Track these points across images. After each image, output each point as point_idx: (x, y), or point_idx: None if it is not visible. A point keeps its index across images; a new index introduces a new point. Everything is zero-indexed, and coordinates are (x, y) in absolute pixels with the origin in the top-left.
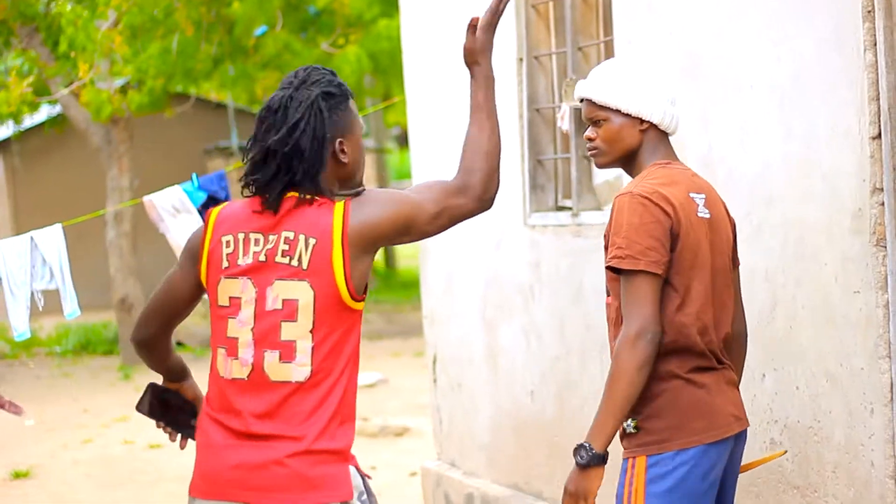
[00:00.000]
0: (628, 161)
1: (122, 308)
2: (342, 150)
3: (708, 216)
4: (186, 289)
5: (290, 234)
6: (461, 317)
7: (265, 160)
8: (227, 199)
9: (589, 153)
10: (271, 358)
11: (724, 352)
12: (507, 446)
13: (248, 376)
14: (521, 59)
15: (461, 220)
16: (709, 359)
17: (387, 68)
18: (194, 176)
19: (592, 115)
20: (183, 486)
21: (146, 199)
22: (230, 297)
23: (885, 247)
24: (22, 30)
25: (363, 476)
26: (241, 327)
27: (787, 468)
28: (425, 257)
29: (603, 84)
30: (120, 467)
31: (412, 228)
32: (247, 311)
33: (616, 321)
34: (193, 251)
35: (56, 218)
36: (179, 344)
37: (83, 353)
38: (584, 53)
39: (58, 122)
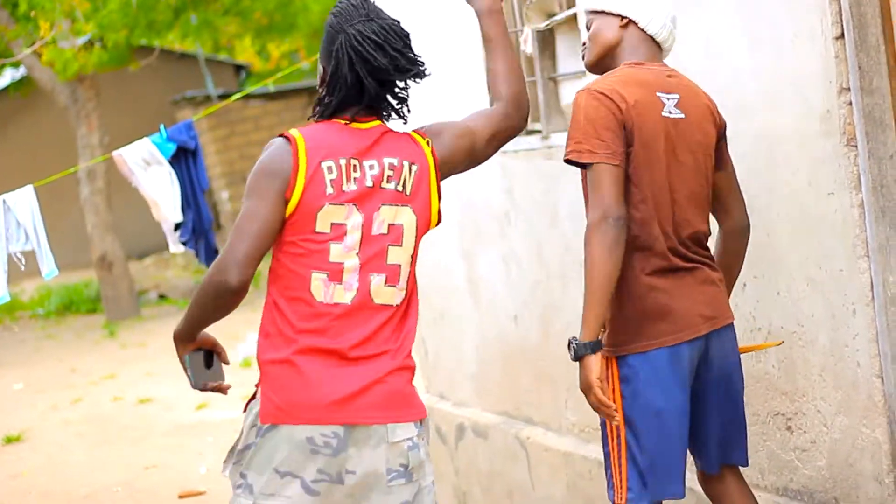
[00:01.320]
0: (610, 61)
1: (101, 266)
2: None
3: (680, 116)
4: (279, 219)
5: (395, 161)
6: (439, 247)
7: (383, 83)
8: (195, 148)
9: (581, 58)
10: (377, 281)
11: (696, 249)
12: (494, 374)
13: (351, 300)
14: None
15: (509, 141)
16: (670, 258)
17: None
18: (162, 127)
19: (587, 22)
20: (174, 438)
21: (115, 153)
22: (332, 224)
23: (856, 146)
24: None
25: None
26: (347, 252)
27: (773, 374)
28: None
29: None
30: (111, 424)
31: (475, 154)
32: (353, 237)
33: None
34: (283, 178)
35: (29, 180)
36: (162, 297)
37: (66, 313)
38: None
39: (23, 84)
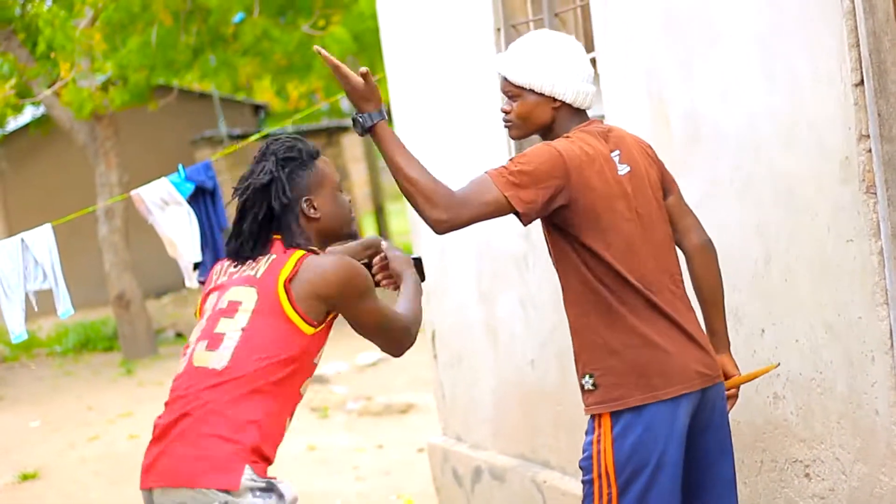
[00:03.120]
0: (544, 134)
1: (119, 304)
2: (312, 208)
3: (628, 170)
4: None
5: (262, 258)
6: (457, 291)
7: (244, 227)
8: (214, 188)
9: (505, 125)
10: (200, 347)
11: (676, 299)
12: (511, 417)
13: (183, 367)
14: (498, 29)
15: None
16: (659, 310)
17: (370, 47)
18: (181, 167)
19: (507, 90)
20: None
21: (133, 193)
22: (202, 311)
23: (875, 193)
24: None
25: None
26: (196, 330)
27: (791, 421)
28: (417, 232)
29: (517, 63)
30: (127, 463)
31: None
32: (206, 315)
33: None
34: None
35: (48, 218)
36: (179, 335)
37: (83, 350)
38: (562, 19)
39: (42, 122)
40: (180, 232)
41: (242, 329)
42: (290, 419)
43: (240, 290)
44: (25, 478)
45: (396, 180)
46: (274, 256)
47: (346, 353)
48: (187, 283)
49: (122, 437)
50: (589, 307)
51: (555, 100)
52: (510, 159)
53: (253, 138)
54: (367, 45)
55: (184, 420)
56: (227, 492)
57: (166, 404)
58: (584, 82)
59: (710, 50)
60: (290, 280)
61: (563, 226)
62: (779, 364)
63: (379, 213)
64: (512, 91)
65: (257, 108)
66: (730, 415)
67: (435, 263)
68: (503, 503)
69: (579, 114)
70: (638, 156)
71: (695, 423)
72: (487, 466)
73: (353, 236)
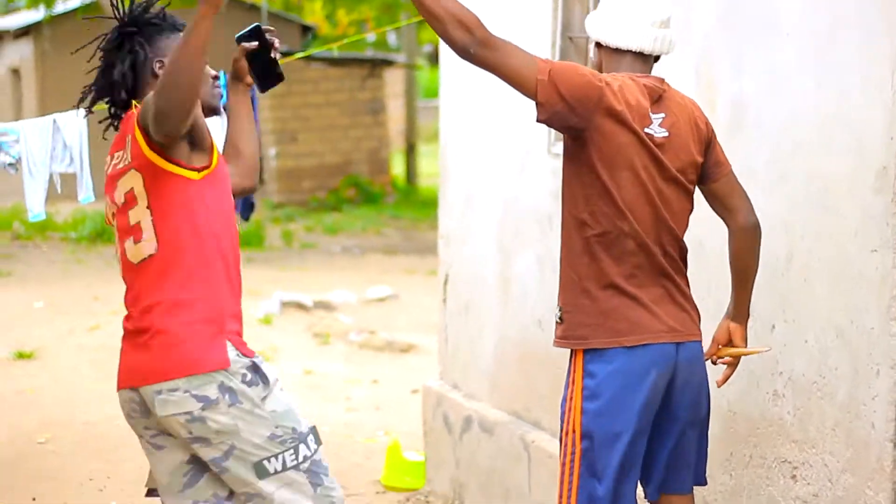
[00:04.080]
0: None
1: None
2: (160, 68)
3: (665, 135)
4: None
5: (126, 142)
6: (477, 239)
7: (102, 93)
8: (252, 99)
9: None
10: (129, 243)
11: (666, 261)
12: (510, 372)
13: (121, 267)
14: (553, 44)
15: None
16: (644, 265)
17: None
18: (222, 73)
19: None
20: None
21: None
22: (106, 209)
23: None
24: None
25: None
26: (114, 230)
27: (787, 420)
28: (446, 176)
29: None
30: None
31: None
32: (110, 214)
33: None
34: None
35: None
36: None
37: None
38: None
39: (90, 9)
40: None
41: (148, 207)
42: (235, 278)
43: (125, 179)
44: (21, 356)
45: (428, 16)
46: (128, 134)
47: (355, 284)
48: None
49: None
50: (577, 243)
51: (597, 43)
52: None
53: (296, 56)
54: None
55: (147, 316)
56: (210, 374)
57: (126, 305)
58: (622, 20)
59: (764, 42)
60: (144, 135)
61: (580, 153)
62: (769, 349)
63: (410, 151)
64: None
65: (305, 29)
66: (728, 404)
67: (459, 209)
68: (488, 456)
69: (628, 57)
70: (684, 126)
71: (669, 386)
72: (478, 417)
73: (214, 110)
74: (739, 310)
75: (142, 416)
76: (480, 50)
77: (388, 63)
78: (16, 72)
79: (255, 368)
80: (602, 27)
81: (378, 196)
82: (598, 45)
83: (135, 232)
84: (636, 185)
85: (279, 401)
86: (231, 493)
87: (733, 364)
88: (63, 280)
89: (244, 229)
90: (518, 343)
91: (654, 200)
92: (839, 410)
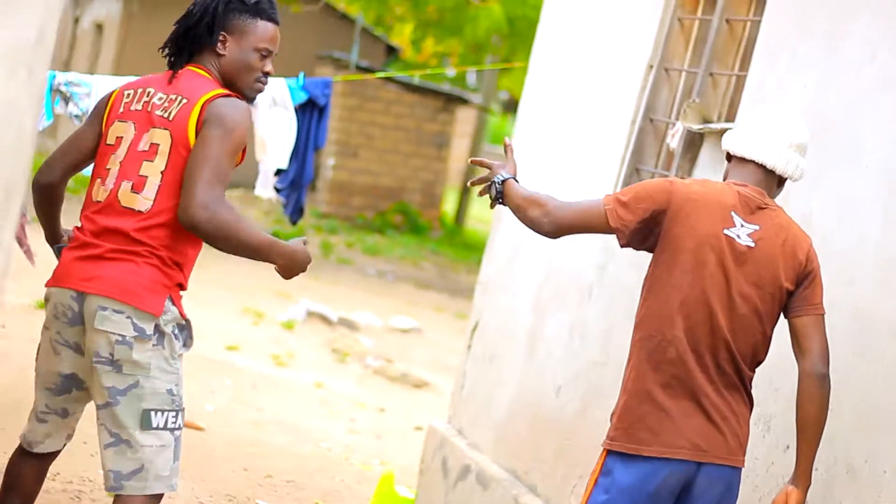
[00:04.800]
0: None
1: None
2: (222, 44)
3: (748, 244)
4: (90, 138)
5: (174, 95)
6: (514, 293)
7: (174, 38)
8: (325, 106)
9: None
10: (126, 187)
11: (716, 375)
12: (518, 432)
13: (104, 199)
14: (650, 66)
15: None
16: (683, 373)
17: (519, 34)
18: (302, 75)
19: None
20: (194, 368)
21: None
22: (116, 137)
23: None
24: None
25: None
26: (115, 161)
27: None
28: (498, 224)
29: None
30: None
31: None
32: (122, 148)
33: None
34: (101, 105)
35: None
36: None
37: None
38: (715, 80)
39: None
40: (277, 135)
41: (162, 172)
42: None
43: (157, 133)
44: (41, 306)
45: (516, 214)
46: (185, 101)
47: (382, 309)
48: (258, 191)
49: None
50: (634, 341)
51: (727, 153)
52: None
53: (378, 75)
54: (517, 31)
55: (127, 255)
56: (153, 315)
57: (97, 229)
58: (755, 133)
59: (842, 168)
60: (198, 123)
61: (655, 257)
62: None
63: (465, 192)
64: None
65: (390, 49)
66: None
67: (504, 259)
68: None
69: (750, 168)
70: (776, 247)
71: (683, 500)
72: (477, 469)
73: (248, 99)
74: (798, 470)
75: (68, 323)
76: (554, 213)
77: (463, 101)
78: (99, 27)
79: (184, 328)
80: (735, 138)
81: (424, 228)
82: (727, 156)
83: (138, 182)
84: (697, 287)
85: (181, 368)
86: (67, 414)
87: None
88: None
89: (286, 232)
90: (532, 404)
91: (713, 309)
92: None
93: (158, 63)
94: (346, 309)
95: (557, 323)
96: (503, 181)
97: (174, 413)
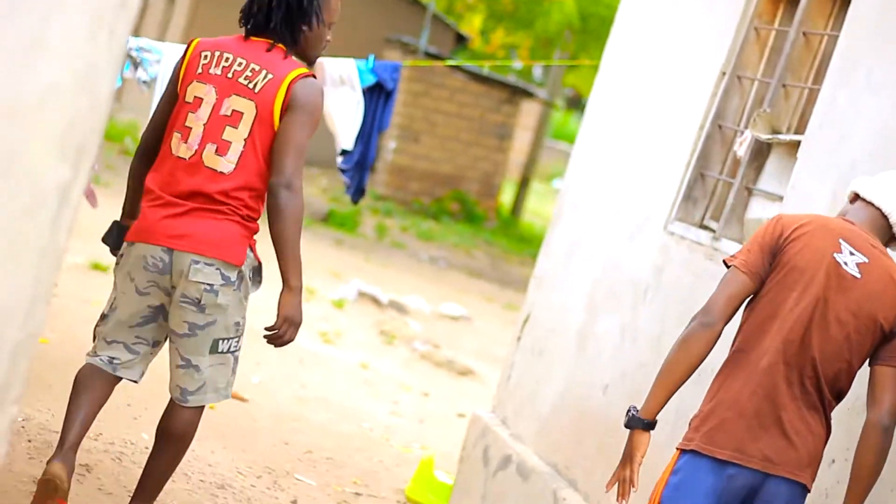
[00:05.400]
0: None
1: None
2: (316, 24)
3: (855, 274)
4: (171, 100)
5: (257, 66)
6: (569, 289)
7: (265, 7)
8: (392, 90)
9: None
10: (210, 149)
11: (799, 392)
12: (562, 427)
13: (189, 157)
14: (723, 73)
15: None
16: (767, 390)
17: (591, 31)
18: (371, 57)
19: None
20: (245, 340)
21: (319, 58)
22: (195, 97)
23: None
24: None
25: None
26: (198, 121)
27: None
28: (558, 219)
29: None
30: None
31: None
32: (205, 110)
33: None
34: (177, 65)
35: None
36: None
37: None
38: (787, 92)
39: None
40: (342, 116)
41: (244, 140)
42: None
43: (240, 101)
44: (96, 267)
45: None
46: (271, 76)
47: (432, 296)
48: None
49: None
50: (731, 352)
51: (853, 193)
52: None
53: (446, 63)
54: (588, 28)
55: (212, 213)
56: (234, 267)
57: (183, 189)
58: (883, 189)
59: None
60: (284, 102)
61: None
62: None
63: (523, 184)
64: None
65: (459, 37)
66: None
67: (561, 254)
68: (517, 499)
69: (870, 212)
70: (882, 284)
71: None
72: (518, 460)
73: (311, 63)
74: None
75: (159, 272)
76: (711, 317)
77: (528, 94)
78: None
79: (258, 270)
80: (867, 182)
81: (479, 218)
82: (852, 198)
83: (222, 145)
84: (800, 305)
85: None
86: (156, 344)
87: None
88: None
89: (342, 211)
90: (579, 400)
91: (810, 326)
92: None
93: (229, 34)
94: (396, 292)
95: (610, 322)
96: (636, 415)
97: (237, 339)
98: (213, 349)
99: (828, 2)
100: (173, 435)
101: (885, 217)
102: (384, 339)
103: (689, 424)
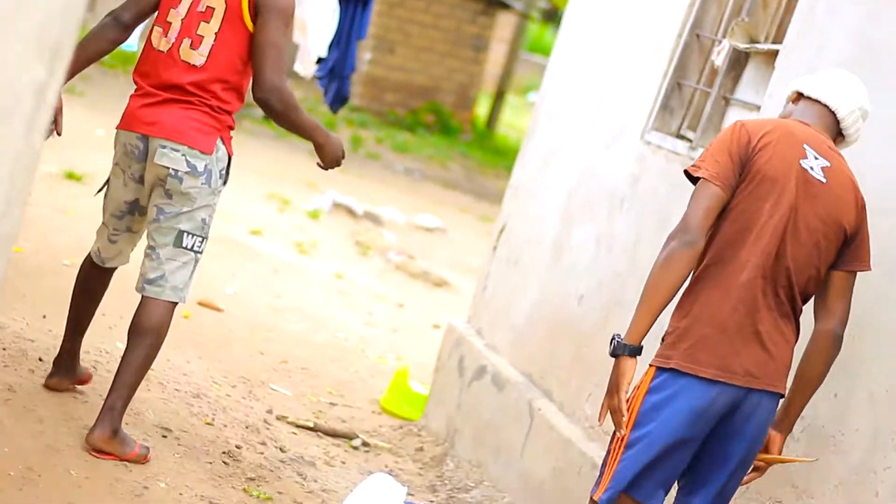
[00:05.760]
0: None
1: None
2: None
3: (820, 179)
4: None
5: None
6: (544, 200)
7: None
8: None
9: None
10: (186, 43)
11: (773, 303)
12: (536, 336)
13: (166, 50)
14: (679, 36)
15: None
16: (746, 304)
17: None
18: None
19: None
20: (218, 249)
21: None
22: None
23: None
24: None
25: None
26: (176, 16)
27: (795, 470)
28: (533, 129)
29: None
30: None
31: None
32: (184, 5)
33: None
34: None
35: None
36: (266, 118)
37: None
38: (765, 1)
39: None
40: (318, 21)
41: (216, 34)
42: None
43: None
44: (70, 176)
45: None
46: None
47: (407, 208)
48: (296, 67)
49: None
50: (703, 263)
51: (794, 93)
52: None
53: None
54: None
55: (185, 103)
56: (206, 154)
57: (161, 81)
58: (827, 80)
59: (889, 96)
60: (250, 12)
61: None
62: (816, 459)
63: (499, 97)
64: None
65: None
66: None
67: (536, 165)
68: (491, 410)
69: (818, 110)
70: (844, 189)
71: (728, 421)
72: (493, 370)
73: None
74: (786, 418)
75: (136, 159)
76: (690, 233)
77: (504, 6)
78: None
79: (227, 167)
80: (810, 81)
81: (455, 130)
82: (795, 97)
83: (196, 39)
84: (774, 216)
85: (218, 202)
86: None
87: (762, 469)
88: None
89: (324, 121)
90: (554, 310)
91: (784, 236)
92: (848, 470)
93: None
94: (371, 203)
95: (585, 232)
96: (621, 342)
97: (201, 239)
98: (178, 242)
99: None
100: (141, 329)
101: (832, 113)
102: (359, 249)
103: (662, 340)
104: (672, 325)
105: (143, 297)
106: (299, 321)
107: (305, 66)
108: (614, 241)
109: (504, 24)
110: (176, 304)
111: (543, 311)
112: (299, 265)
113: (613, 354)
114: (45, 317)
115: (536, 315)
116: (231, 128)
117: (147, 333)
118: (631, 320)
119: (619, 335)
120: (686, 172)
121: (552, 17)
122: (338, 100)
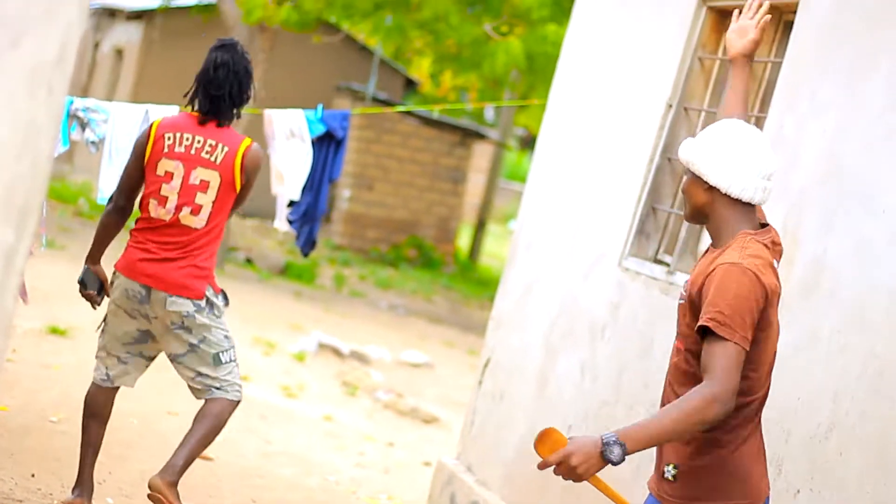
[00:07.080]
0: (704, 217)
1: None
2: (245, 105)
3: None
4: (139, 169)
5: (213, 142)
6: (526, 330)
7: (216, 97)
8: (342, 139)
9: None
10: (186, 211)
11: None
12: (527, 470)
13: (168, 219)
14: (670, 106)
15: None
16: (755, 427)
17: (538, 71)
18: (320, 107)
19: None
20: None
21: (268, 112)
22: (166, 171)
23: None
24: None
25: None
26: (171, 190)
27: None
28: (513, 260)
29: (688, 141)
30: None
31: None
32: (176, 181)
33: (685, 372)
34: (140, 143)
35: (176, 101)
36: (248, 261)
37: None
38: None
39: (206, 9)
40: (293, 167)
41: (212, 202)
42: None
43: (206, 172)
44: (54, 331)
45: (676, 437)
46: (227, 149)
47: (394, 345)
48: (276, 223)
49: None
50: (738, 407)
51: (707, 183)
52: (713, 307)
53: (396, 109)
54: (536, 67)
55: (179, 259)
56: (199, 300)
57: (159, 240)
58: (740, 171)
59: (858, 213)
60: (242, 166)
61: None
62: None
63: (479, 227)
64: (683, 169)
65: (409, 82)
66: None
67: (517, 296)
68: None
69: (742, 209)
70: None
71: None
72: None
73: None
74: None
75: (139, 302)
76: (725, 398)
77: (480, 136)
78: (119, 52)
79: (224, 297)
80: (721, 174)
81: (437, 263)
82: (710, 187)
83: (195, 207)
84: (773, 344)
85: (226, 319)
86: (146, 357)
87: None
88: (110, 265)
89: (300, 263)
90: None
91: (774, 357)
92: None
93: (175, 91)
94: (357, 342)
95: (569, 361)
96: (617, 441)
97: (233, 349)
98: (217, 362)
99: (770, 29)
100: (208, 414)
101: (748, 203)
102: (346, 390)
103: (676, 477)
104: (682, 462)
105: (208, 399)
106: (290, 466)
107: (281, 219)
108: (598, 369)
109: (481, 153)
110: (237, 403)
111: (531, 444)
112: (287, 409)
113: (615, 461)
114: (33, 475)
115: (525, 448)
116: (210, 269)
117: (213, 417)
118: (640, 437)
119: (625, 445)
120: (720, 333)
121: (529, 143)
122: (309, 243)
